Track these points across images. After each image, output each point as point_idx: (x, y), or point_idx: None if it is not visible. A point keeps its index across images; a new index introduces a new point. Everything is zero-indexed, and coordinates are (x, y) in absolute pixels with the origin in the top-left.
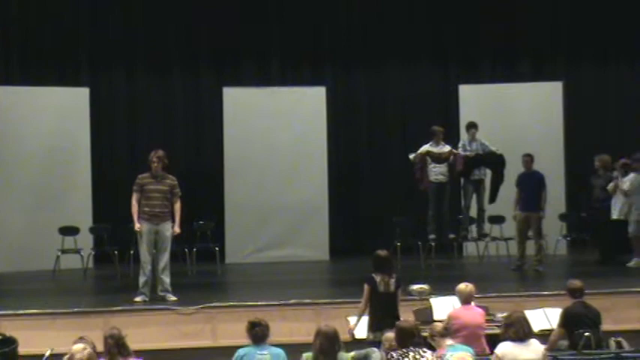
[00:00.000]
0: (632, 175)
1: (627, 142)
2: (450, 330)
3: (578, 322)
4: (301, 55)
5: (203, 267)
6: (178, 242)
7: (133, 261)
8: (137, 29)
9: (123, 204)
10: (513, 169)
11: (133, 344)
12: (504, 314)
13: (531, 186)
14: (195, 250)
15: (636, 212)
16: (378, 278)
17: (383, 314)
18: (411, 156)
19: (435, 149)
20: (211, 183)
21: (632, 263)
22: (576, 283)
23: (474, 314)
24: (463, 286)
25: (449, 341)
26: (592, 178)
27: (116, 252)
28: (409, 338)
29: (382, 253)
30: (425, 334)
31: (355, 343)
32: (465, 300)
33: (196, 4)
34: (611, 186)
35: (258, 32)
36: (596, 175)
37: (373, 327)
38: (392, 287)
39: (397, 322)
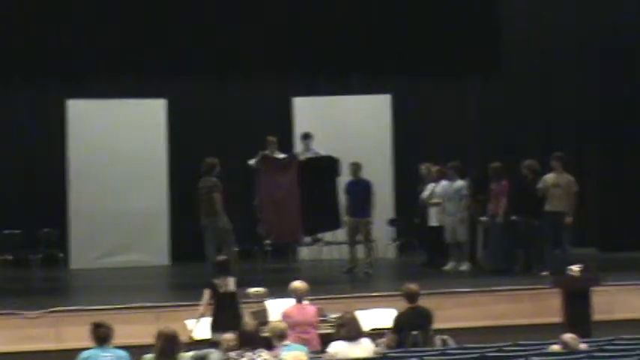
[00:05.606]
0: (444, 183)
1: (449, 151)
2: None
3: (407, 327)
4: (143, 67)
5: (48, 273)
6: (22, 249)
7: None
8: None
9: None
10: (347, 177)
11: None
12: (337, 315)
13: (358, 193)
14: (40, 256)
15: (449, 219)
16: (218, 281)
17: (226, 314)
18: (251, 162)
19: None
20: (55, 191)
21: (447, 267)
22: (411, 287)
23: (305, 312)
24: (297, 284)
25: (285, 341)
26: (419, 185)
27: None
28: (250, 340)
29: (221, 258)
30: (265, 334)
31: (195, 344)
32: (298, 297)
33: (46, 16)
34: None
35: (102, 45)
36: (422, 182)
37: (217, 327)
38: (231, 287)
39: (240, 325)
